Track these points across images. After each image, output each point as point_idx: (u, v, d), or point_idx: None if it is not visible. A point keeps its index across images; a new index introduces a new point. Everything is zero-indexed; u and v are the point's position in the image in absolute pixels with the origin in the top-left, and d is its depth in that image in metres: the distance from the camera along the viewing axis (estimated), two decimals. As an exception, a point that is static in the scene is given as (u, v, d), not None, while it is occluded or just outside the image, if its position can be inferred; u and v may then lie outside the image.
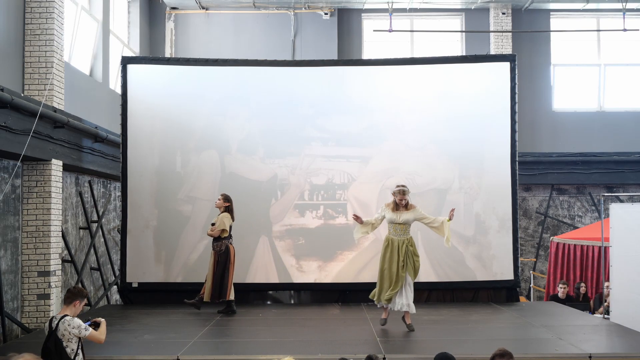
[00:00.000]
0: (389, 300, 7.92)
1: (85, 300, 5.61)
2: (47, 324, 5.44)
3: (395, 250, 7.94)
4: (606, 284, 9.72)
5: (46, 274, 9.34)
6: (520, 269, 11.57)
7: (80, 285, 10.95)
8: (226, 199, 9.33)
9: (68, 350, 5.27)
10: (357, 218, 8.22)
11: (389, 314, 8.15)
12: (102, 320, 5.60)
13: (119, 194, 11.96)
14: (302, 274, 10.65)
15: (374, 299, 8.20)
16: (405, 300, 7.92)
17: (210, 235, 9.28)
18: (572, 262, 12.40)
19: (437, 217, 8.28)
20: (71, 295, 5.48)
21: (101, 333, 5.51)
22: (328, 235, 10.66)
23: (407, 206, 8.02)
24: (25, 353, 3.91)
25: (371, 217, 8.53)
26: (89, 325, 5.43)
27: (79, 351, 5.35)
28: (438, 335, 7.85)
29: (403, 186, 8.09)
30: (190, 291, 10.35)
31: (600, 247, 10.14)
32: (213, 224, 9.26)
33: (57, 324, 5.29)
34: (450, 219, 8.04)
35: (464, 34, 15.55)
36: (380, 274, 8.08)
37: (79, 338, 5.36)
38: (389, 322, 8.10)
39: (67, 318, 5.31)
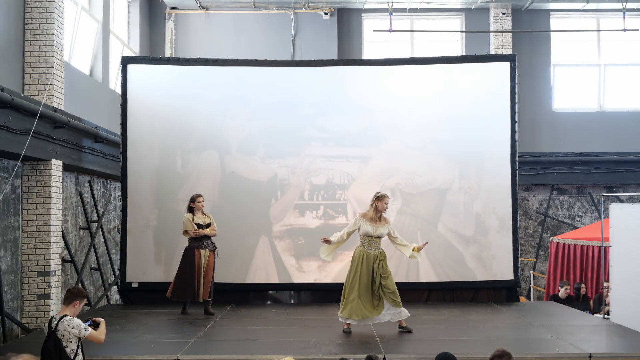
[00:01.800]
0: (365, 317, 7.68)
1: (85, 300, 5.61)
2: (46, 324, 5.44)
3: (370, 264, 7.71)
4: (605, 284, 9.71)
5: (46, 274, 9.34)
6: (520, 269, 11.56)
7: (80, 285, 10.96)
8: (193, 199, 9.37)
9: (68, 350, 5.27)
10: (326, 241, 7.94)
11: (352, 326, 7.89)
12: (102, 320, 5.60)
13: (119, 194, 11.96)
14: (302, 274, 10.65)
15: (344, 316, 7.74)
16: (394, 310, 7.79)
17: (213, 235, 9.27)
18: (572, 262, 12.40)
19: (406, 243, 7.92)
20: (71, 296, 5.48)
21: (101, 333, 5.51)
22: (328, 235, 10.62)
23: (382, 219, 7.83)
24: (24, 353, 3.91)
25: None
26: (89, 325, 5.43)
27: (79, 351, 5.35)
28: (438, 335, 7.85)
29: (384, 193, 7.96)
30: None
31: (600, 247, 10.13)
32: (208, 225, 9.23)
33: (57, 324, 5.29)
34: (418, 250, 7.83)
35: (464, 34, 15.55)
36: (351, 289, 7.72)
37: (79, 338, 5.36)
38: (389, 322, 8.08)
39: (67, 318, 5.31)
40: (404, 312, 7.84)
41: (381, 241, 7.90)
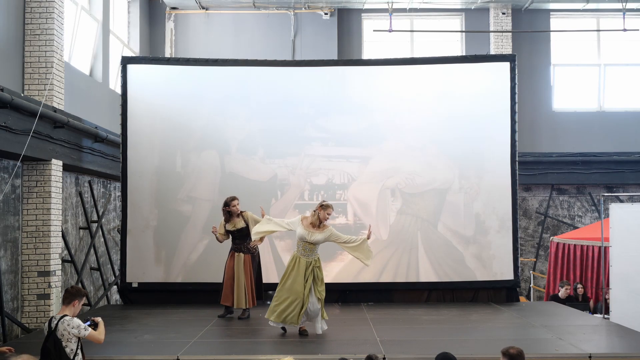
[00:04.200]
0: (292, 322, 7.55)
1: (85, 300, 5.60)
2: (46, 324, 5.45)
3: (302, 270, 7.56)
4: (607, 296, 9.68)
5: (46, 274, 9.34)
6: (520, 269, 11.56)
7: (80, 285, 10.95)
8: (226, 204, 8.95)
9: (67, 350, 5.27)
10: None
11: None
12: (100, 320, 5.60)
13: (119, 194, 11.96)
14: (302, 274, 10.63)
15: (270, 318, 7.64)
16: (319, 324, 7.66)
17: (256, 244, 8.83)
18: (572, 262, 12.40)
19: (353, 237, 7.75)
20: (69, 296, 5.48)
21: (100, 333, 5.50)
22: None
23: (320, 225, 7.61)
24: (23, 354, 3.90)
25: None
26: (89, 325, 5.43)
27: (78, 351, 5.36)
28: (438, 335, 7.85)
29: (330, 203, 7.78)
30: (191, 291, 10.39)
31: (600, 247, 10.13)
32: (240, 230, 8.82)
33: (57, 324, 5.30)
34: (368, 237, 7.67)
35: (464, 34, 15.55)
36: (280, 292, 7.62)
37: (79, 338, 5.36)
38: (389, 322, 8.09)
39: (67, 318, 5.32)
40: (323, 327, 7.71)
41: (317, 248, 7.70)
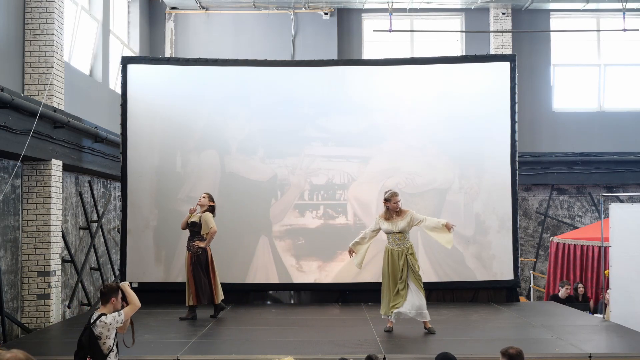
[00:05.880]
0: (392, 312, 7.77)
1: (121, 293, 5.57)
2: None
3: (396, 261, 7.76)
4: (607, 294, 9.68)
5: (46, 274, 9.34)
6: (520, 269, 11.56)
7: (80, 285, 10.95)
8: (211, 198, 9.06)
9: (105, 347, 5.35)
10: (351, 251, 7.99)
11: (394, 323, 7.92)
12: (123, 284, 5.61)
13: (119, 194, 11.96)
14: (302, 274, 10.65)
15: (383, 313, 7.95)
16: (410, 307, 7.71)
17: (210, 241, 8.91)
18: (572, 262, 12.40)
19: (434, 220, 7.94)
20: (103, 295, 5.50)
21: (131, 302, 5.53)
22: (328, 235, 10.66)
23: (400, 213, 7.83)
24: (14, 349, 3.87)
25: (364, 229, 8.22)
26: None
27: (114, 347, 5.45)
28: (438, 335, 7.85)
29: (392, 191, 7.95)
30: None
31: (600, 247, 10.13)
32: (192, 225, 8.87)
33: (95, 322, 5.37)
34: (448, 228, 7.73)
35: (464, 34, 15.55)
36: (383, 286, 7.91)
37: (115, 334, 5.45)
38: (387, 323, 8.08)
39: (103, 317, 5.39)
40: (425, 314, 7.80)
41: (408, 235, 7.88)
